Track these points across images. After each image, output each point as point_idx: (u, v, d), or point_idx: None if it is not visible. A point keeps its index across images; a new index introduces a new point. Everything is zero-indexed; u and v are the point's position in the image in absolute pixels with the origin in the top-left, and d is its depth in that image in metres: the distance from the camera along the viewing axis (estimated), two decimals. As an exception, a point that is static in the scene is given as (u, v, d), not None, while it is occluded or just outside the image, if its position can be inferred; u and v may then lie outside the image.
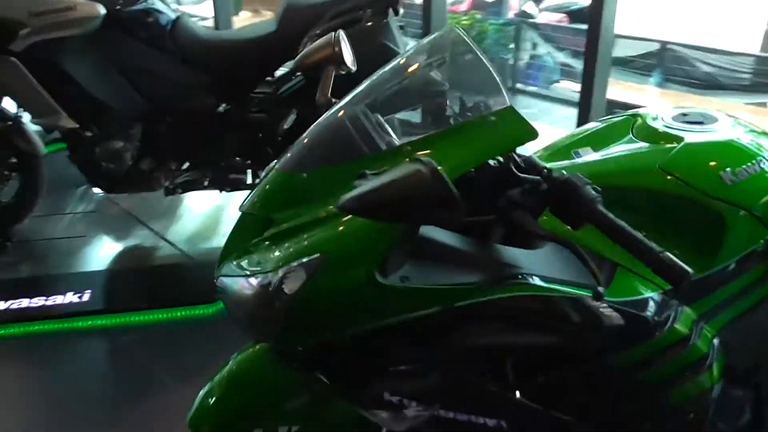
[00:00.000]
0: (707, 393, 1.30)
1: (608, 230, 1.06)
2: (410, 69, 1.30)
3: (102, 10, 2.79)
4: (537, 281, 1.12)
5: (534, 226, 1.12)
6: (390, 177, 0.92)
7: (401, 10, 2.87)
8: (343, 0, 2.85)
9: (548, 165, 1.35)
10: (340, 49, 1.84)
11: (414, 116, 1.44)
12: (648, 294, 1.22)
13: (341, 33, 1.87)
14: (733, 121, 1.43)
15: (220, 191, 3.13)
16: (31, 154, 3.09)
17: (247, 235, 1.19)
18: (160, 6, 2.99)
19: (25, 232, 3.25)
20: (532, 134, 1.08)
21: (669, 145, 1.33)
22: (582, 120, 3.71)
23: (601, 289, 1.05)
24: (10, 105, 3.03)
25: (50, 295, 2.74)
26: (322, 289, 1.08)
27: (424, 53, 1.29)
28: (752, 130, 1.43)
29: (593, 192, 1.08)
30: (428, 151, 1.10)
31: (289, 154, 1.25)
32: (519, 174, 1.15)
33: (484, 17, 8.07)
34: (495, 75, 1.14)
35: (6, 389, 2.38)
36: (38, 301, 2.71)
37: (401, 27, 3.03)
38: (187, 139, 3.04)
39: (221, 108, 3.03)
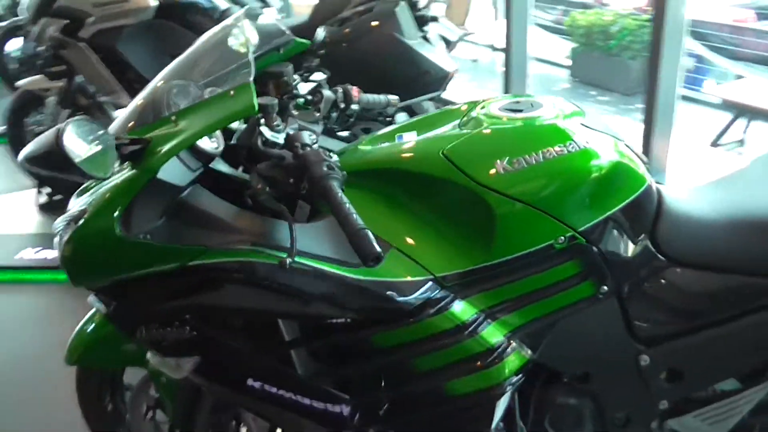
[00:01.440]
0: (493, 389, 1.25)
1: (330, 205, 1.08)
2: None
3: (153, 1, 3.12)
4: (268, 251, 1.15)
5: (268, 200, 1.16)
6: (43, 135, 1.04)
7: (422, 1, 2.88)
8: None
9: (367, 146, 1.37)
10: None
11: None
12: (414, 278, 1.20)
13: None
14: (562, 109, 1.32)
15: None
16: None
17: None
18: (207, -2, 3.27)
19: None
20: (250, 110, 1.12)
21: (463, 132, 1.28)
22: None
23: (288, 260, 1.07)
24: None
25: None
26: (80, 239, 1.21)
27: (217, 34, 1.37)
28: (578, 121, 1.29)
29: (325, 169, 1.10)
30: (181, 120, 1.19)
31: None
32: (262, 148, 1.20)
33: (629, 13, 7.64)
34: (251, 58, 1.20)
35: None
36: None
37: (431, 18, 3.03)
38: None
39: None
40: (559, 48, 7.46)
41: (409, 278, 1.20)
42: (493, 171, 1.19)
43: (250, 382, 1.29)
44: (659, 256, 1.29)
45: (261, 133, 1.21)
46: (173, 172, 1.21)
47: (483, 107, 1.34)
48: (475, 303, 1.23)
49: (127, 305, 1.27)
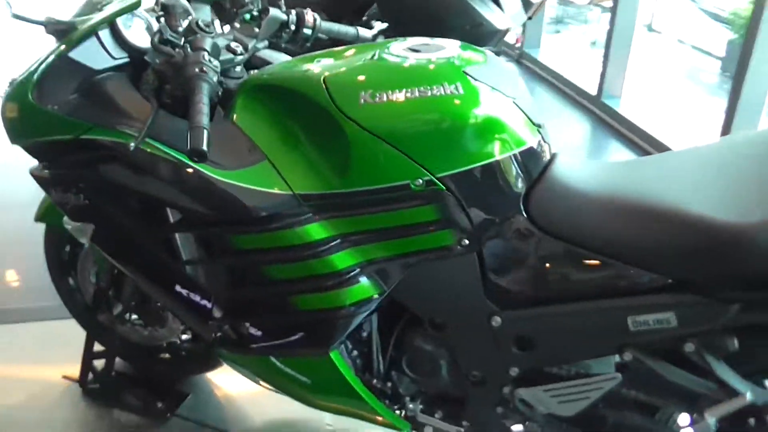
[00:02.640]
0: (334, 312, 1.31)
1: (190, 101, 1.17)
2: None
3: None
4: (150, 140, 1.26)
5: (146, 90, 1.29)
6: None
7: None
8: None
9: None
10: None
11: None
12: (275, 191, 1.26)
13: None
14: (461, 56, 1.29)
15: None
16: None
17: None
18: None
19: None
20: (136, 5, 1.25)
21: (354, 63, 1.30)
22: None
23: (132, 144, 1.19)
24: None
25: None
26: (8, 101, 1.39)
27: None
28: (474, 70, 1.26)
29: (197, 70, 1.20)
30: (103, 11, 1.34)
31: None
32: (157, 45, 1.30)
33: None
34: None
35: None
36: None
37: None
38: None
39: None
40: (719, 38, 6.89)
41: (270, 190, 1.26)
42: (355, 102, 1.21)
43: (134, 258, 1.43)
44: (527, 221, 1.26)
45: (160, 32, 1.31)
46: (91, 55, 1.35)
47: (393, 44, 1.35)
48: (331, 227, 1.27)
49: (45, 167, 1.45)
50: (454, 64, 1.26)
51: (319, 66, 1.33)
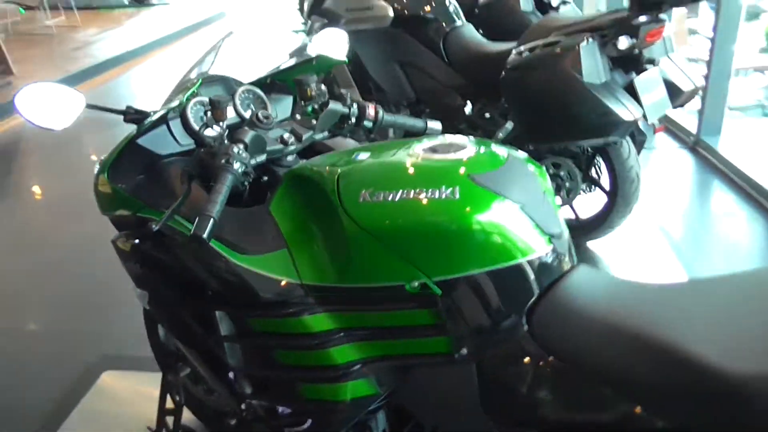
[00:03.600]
0: (334, 405, 1.30)
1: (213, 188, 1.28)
2: None
3: (392, 12, 3.46)
4: (182, 220, 1.37)
5: (182, 175, 1.40)
6: None
7: (624, 40, 2.68)
8: (592, 19, 2.81)
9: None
10: None
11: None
12: (285, 278, 1.30)
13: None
14: (472, 159, 1.25)
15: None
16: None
17: None
18: (440, 14, 3.48)
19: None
20: (182, 102, 1.36)
21: (368, 159, 1.31)
22: None
23: (154, 225, 1.29)
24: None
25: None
26: (97, 176, 1.59)
27: None
28: (481, 176, 1.21)
29: (223, 161, 1.30)
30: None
31: None
32: (202, 135, 1.42)
33: None
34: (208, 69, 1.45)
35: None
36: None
37: (646, 60, 2.79)
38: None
39: (467, 109, 3.39)
40: None
41: (281, 277, 1.30)
42: (356, 200, 1.22)
43: (177, 328, 1.54)
44: (529, 336, 1.17)
45: (205, 124, 1.43)
46: (158, 141, 1.51)
47: (416, 143, 1.35)
48: (333, 320, 1.27)
49: (119, 236, 1.62)
50: (457, 167, 1.22)
51: (348, 161, 1.36)
